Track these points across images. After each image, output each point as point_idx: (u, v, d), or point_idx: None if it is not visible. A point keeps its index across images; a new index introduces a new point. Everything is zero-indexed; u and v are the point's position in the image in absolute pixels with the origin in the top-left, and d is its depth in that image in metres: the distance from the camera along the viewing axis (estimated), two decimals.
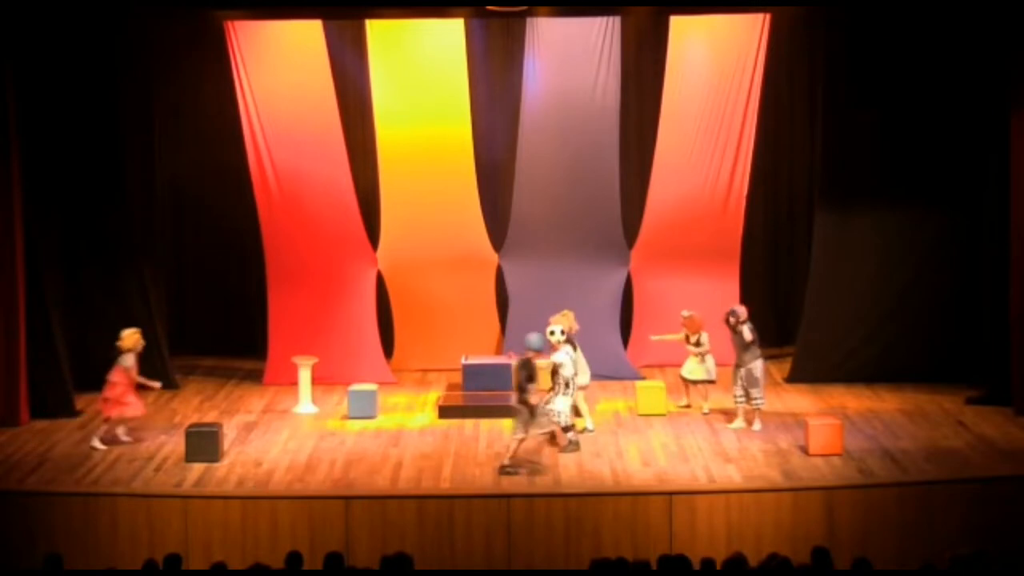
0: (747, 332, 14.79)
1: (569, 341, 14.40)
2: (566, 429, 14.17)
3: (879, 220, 16.69)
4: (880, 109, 16.41)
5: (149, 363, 16.86)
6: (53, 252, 16.30)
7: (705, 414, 15.48)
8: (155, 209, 17.12)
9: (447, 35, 16.93)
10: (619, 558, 9.71)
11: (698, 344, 15.59)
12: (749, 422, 14.92)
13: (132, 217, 16.83)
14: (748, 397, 14.85)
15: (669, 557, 9.92)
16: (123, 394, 14.54)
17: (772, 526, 12.72)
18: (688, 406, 15.75)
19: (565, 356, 14.14)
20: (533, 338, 14.03)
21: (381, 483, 13.42)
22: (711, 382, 15.62)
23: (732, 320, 14.88)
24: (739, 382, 14.88)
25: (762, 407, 14.89)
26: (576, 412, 14.53)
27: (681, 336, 15.74)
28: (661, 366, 17.53)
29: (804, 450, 13.98)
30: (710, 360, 15.59)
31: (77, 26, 16.00)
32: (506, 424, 15.25)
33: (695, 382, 15.70)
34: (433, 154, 17.23)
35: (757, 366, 14.78)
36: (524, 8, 15.84)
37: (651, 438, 14.72)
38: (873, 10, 16.00)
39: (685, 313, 15.67)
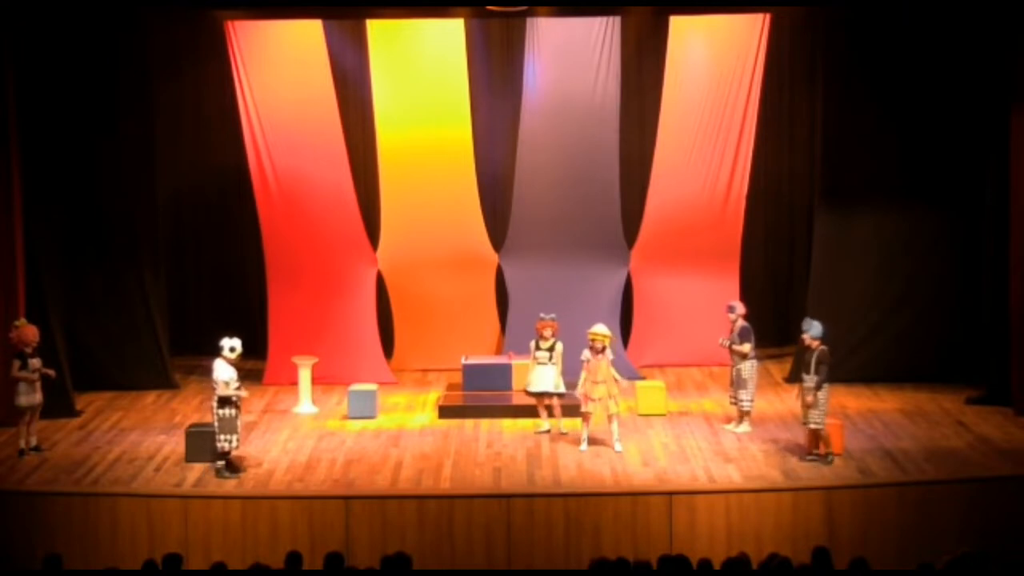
0: (736, 334, 14.73)
1: None
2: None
3: (879, 220, 16.69)
4: (880, 109, 16.42)
5: (149, 363, 16.95)
6: (53, 252, 16.29)
7: (563, 434, 14.75)
8: (155, 209, 17.11)
9: (447, 35, 16.92)
10: (619, 558, 9.70)
11: (551, 349, 14.77)
12: (738, 421, 14.87)
13: (132, 217, 16.82)
14: (736, 398, 14.83)
15: (669, 557, 9.91)
16: None
17: (772, 526, 12.71)
18: (548, 430, 14.86)
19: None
20: (816, 327, 13.80)
21: (381, 483, 13.41)
22: (562, 395, 14.80)
23: (731, 316, 14.86)
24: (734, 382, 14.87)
25: (746, 408, 14.80)
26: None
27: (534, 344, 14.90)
28: (661, 366, 17.55)
29: (804, 450, 13.97)
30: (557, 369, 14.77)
31: (77, 26, 16.00)
32: (506, 424, 15.28)
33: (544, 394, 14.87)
34: (433, 154, 17.23)
35: (746, 367, 14.71)
36: (524, 8, 15.84)
37: (651, 438, 14.72)
38: (873, 10, 16.00)
39: (548, 317, 14.85)
